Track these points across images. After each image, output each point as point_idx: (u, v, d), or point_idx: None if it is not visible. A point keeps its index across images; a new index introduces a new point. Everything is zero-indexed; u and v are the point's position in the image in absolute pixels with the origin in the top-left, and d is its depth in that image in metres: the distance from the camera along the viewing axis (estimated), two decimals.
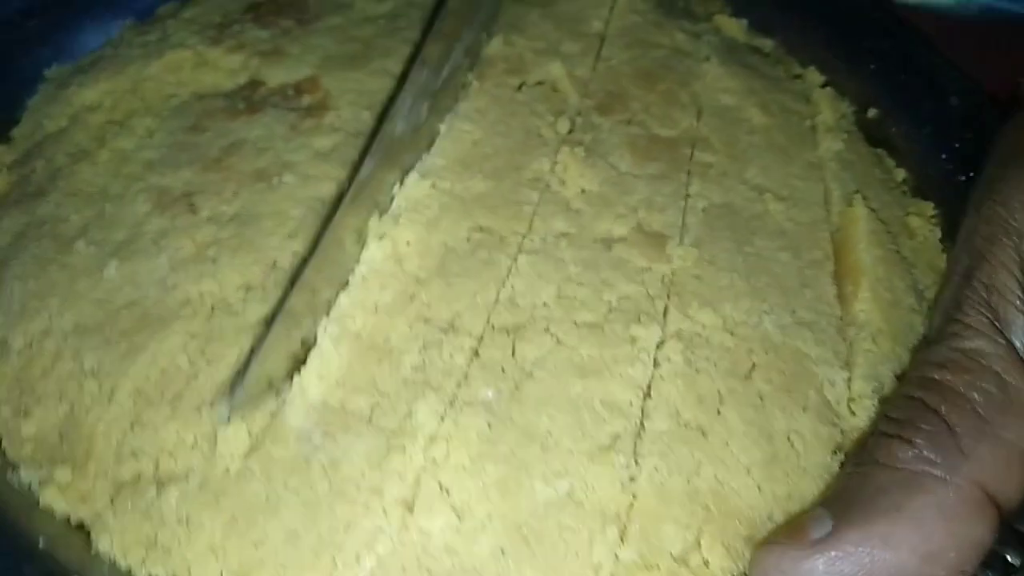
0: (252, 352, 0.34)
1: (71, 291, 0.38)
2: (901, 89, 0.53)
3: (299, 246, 0.38)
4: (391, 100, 0.40)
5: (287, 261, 0.38)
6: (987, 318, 0.32)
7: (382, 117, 0.41)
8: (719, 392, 0.34)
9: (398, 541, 0.30)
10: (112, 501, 0.32)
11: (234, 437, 0.32)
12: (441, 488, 0.31)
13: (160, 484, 0.32)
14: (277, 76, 0.48)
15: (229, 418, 0.32)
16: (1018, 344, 0.31)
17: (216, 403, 0.33)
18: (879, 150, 0.51)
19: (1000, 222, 0.33)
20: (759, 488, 0.32)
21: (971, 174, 0.47)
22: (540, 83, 0.48)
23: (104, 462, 0.34)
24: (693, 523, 0.31)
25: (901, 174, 0.50)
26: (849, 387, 0.36)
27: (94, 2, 0.57)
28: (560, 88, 0.48)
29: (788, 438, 0.34)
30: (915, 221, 0.45)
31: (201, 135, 0.44)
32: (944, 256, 0.44)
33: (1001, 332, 0.31)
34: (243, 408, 0.32)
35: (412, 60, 0.42)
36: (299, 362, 0.34)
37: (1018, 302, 0.31)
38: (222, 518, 0.30)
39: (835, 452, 0.34)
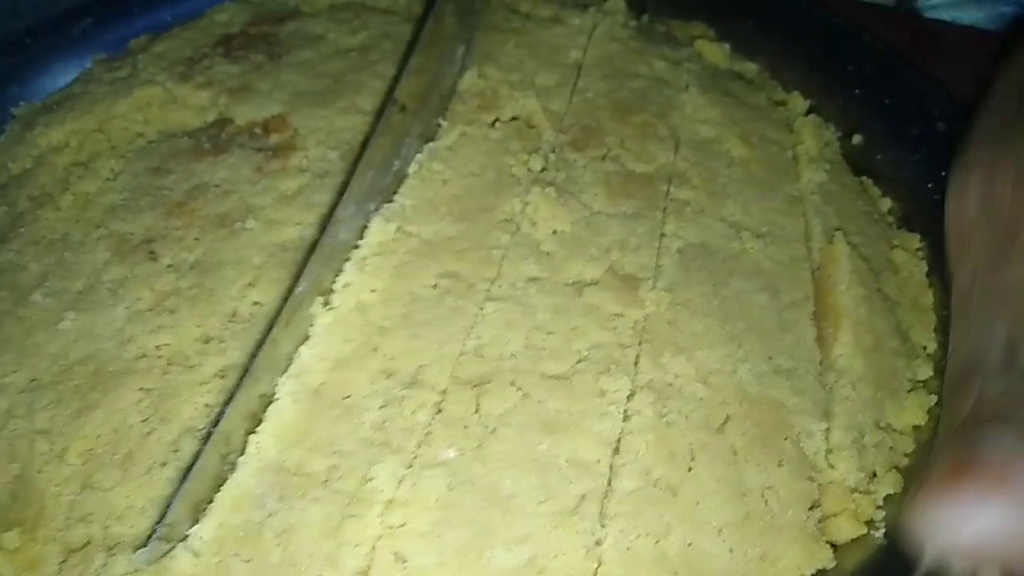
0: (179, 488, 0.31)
1: (26, 345, 0.37)
2: (887, 114, 0.52)
3: (259, 296, 0.37)
4: (334, 208, 0.38)
5: (247, 311, 0.37)
6: None
7: (326, 221, 0.38)
8: (691, 447, 0.33)
9: None
10: (60, 569, 0.31)
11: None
12: (397, 558, 0.29)
13: (109, 551, 0.31)
14: (245, 114, 0.47)
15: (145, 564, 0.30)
16: None
17: (135, 554, 0.30)
18: (864, 178, 0.50)
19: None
20: (731, 550, 0.31)
21: None
22: (514, 118, 0.47)
23: (54, 526, 0.32)
24: None
25: (887, 204, 0.48)
26: (827, 438, 0.35)
27: (66, 38, 0.56)
28: (535, 123, 0.47)
29: (762, 495, 0.32)
30: (900, 255, 0.44)
31: (165, 177, 0.43)
32: (930, 292, 0.43)
33: None
34: (161, 554, 0.30)
35: (355, 165, 0.40)
36: (256, 420, 0.33)
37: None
38: None
39: (812, 508, 0.33)
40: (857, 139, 0.51)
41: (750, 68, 0.57)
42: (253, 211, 0.41)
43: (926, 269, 0.44)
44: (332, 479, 0.31)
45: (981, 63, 0.53)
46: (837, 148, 0.51)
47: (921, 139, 0.50)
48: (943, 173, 0.47)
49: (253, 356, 0.34)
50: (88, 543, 0.31)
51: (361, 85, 0.48)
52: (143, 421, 0.34)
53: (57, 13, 0.57)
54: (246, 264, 0.38)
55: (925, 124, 0.50)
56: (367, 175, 0.39)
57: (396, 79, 0.47)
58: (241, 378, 0.34)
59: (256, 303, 0.37)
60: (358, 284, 0.37)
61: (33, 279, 0.39)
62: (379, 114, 0.45)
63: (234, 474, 0.31)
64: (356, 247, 0.38)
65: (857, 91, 0.53)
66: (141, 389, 0.35)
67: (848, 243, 0.42)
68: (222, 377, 0.35)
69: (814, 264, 0.42)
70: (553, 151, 0.45)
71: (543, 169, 0.43)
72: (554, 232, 0.40)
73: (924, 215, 0.47)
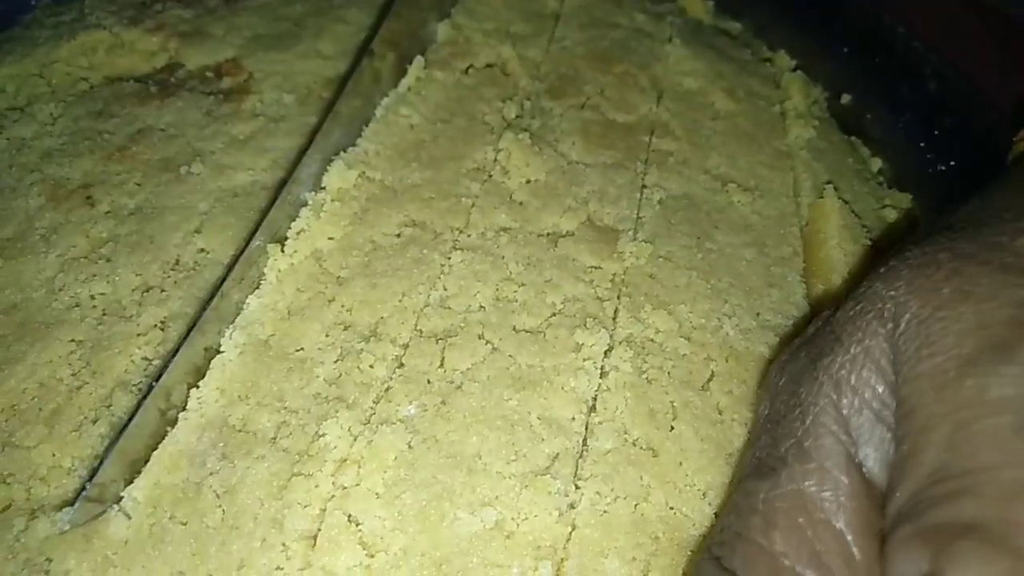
0: (111, 445, 0.29)
1: None
2: (877, 73, 0.50)
3: (204, 243, 0.34)
4: (297, 160, 0.36)
5: (191, 259, 0.34)
6: (833, 438, 0.25)
7: (286, 179, 0.36)
8: (672, 405, 0.30)
9: None
10: None
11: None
12: (350, 520, 0.26)
13: (31, 514, 0.28)
14: (197, 58, 0.44)
15: (70, 525, 0.27)
16: (868, 469, 0.24)
17: (59, 513, 0.27)
18: (853, 138, 0.48)
19: (875, 302, 0.26)
20: (716, 515, 0.28)
21: (951, 163, 0.44)
22: (489, 66, 0.44)
23: None
24: (640, 555, 0.27)
25: (877, 163, 0.46)
26: None
27: None
28: (510, 71, 0.44)
29: None
30: (891, 214, 0.42)
31: (107, 122, 0.40)
32: None
33: (848, 455, 0.24)
34: (90, 515, 0.27)
35: (322, 116, 0.38)
36: (199, 374, 0.30)
37: (876, 408, 0.24)
38: (92, 559, 0.26)
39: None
40: (846, 99, 0.49)
41: (735, 26, 0.55)
42: (201, 155, 0.37)
43: (919, 227, 0.42)
44: (280, 436, 0.28)
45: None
46: (825, 106, 0.49)
47: (911, 99, 0.48)
48: (934, 132, 0.46)
49: (202, 307, 0.31)
50: (8, 506, 0.28)
51: (322, 29, 0.45)
52: (73, 375, 0.30)
53: None
54: (191, 210, 0.35)
55: (915, 84, 0.48)
56: (334, 131, 0.37)
57: (373, 29, 0.44)
58: (188, 330, 0.31)
59: (201, 250, 0.34)
60: (314, 231, 0.34)
61: None
62: (352, 65, 0.42)
63: (173, 430, 0.28)
64: (313, 194, 0.35)
65: (845, 50, 0.51)
66: (72, 340, 0.31)
67: (839, 198, 0.39)
68: (162, 328, 0.32)
69: (803, 219, 0.40)
70: (529, 99, 0.42)
71: (518, 116, 0.41)
72: (528, 181, 0.38)
73: (914, 175, 0.45)
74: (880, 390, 0.24)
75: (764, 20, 0.55)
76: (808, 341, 0.28)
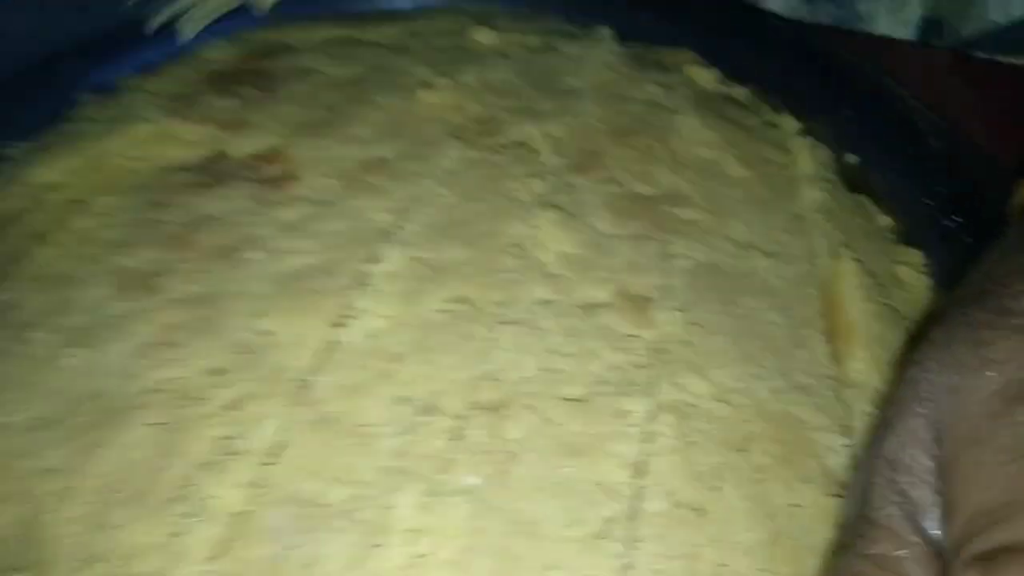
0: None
1: (29, 383, 0.36)
2: (878, 133, 0.53)
3: (267, 325, 0.37)
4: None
5: (254, 341, 0.36)
6: (897, 507, 0.27)
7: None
8: (715, 467, 0.33)
9: None
10: None
11: (198, 539, 0.30)
12: None
13: None
14: (241, 147, 0.46)
15: None
16: (933, 533, 0.27)
17: None
18: (861, 196, 0.50)
19: (913, 386, 0.29)
20: (762, 570, 0.30)
21: (956, 219, 0.47)
22: (515, 143, 0.47)
23: (67, 567, 0.31)
24: None
25: (885, 220, 0.49)
26: (849, 453, 0.34)
27: (57, 78, 0.55)
28: (535, 148, 0.47)
29: (790, 513, 0.32)
30: (903, 271, 0.44)
31: (163, 211, 0.42)
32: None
33: (913, 520, 0.27)
34: None
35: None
36: (270, 454, 0.32)
37: (931, 480, 0.27)
38: None
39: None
40: (851, 158, 0.52)
41: (741, 92, 0.58)
42: (255, 241, 0.40)
43: (930, 283, 0.44)
44: (353, 509, 0.30)
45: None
46: (833, 167, 0.52)
47: (914, 157, 0.50)
48: (938, 190, 0.48)
49: (270, 387, 0.34)
50: None
51: (356, 115, 0.48)
52: (154, 457, 0.33)
53: (48, 54, 0.56)
54: (251, 294, 0.38)
55: (917, 142, 0.51)
56: None
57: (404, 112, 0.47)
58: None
59: (264, 332, 0.36)
60: (369, 311, 0.36)
61: (33, 317, 0.38)
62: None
63: (251, 507, 0.31)
64: (365, 275, 0.38)
65: (848, 112, 0.54)
66: (150, 424, 0.33)
67: (853, 259, 0.42)
68: (232, 409, 0.34)
69: (821, 281, 0.42)
70: (555, 175, 0.45)
71: (547, 193, 0.43)
72: (561, 254, 0.40)
73: (922, 232, 0.48)
74: (931, 465, 0.27)
75: (768, 83, 0.58)
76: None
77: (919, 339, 0.31)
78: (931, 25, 0.69)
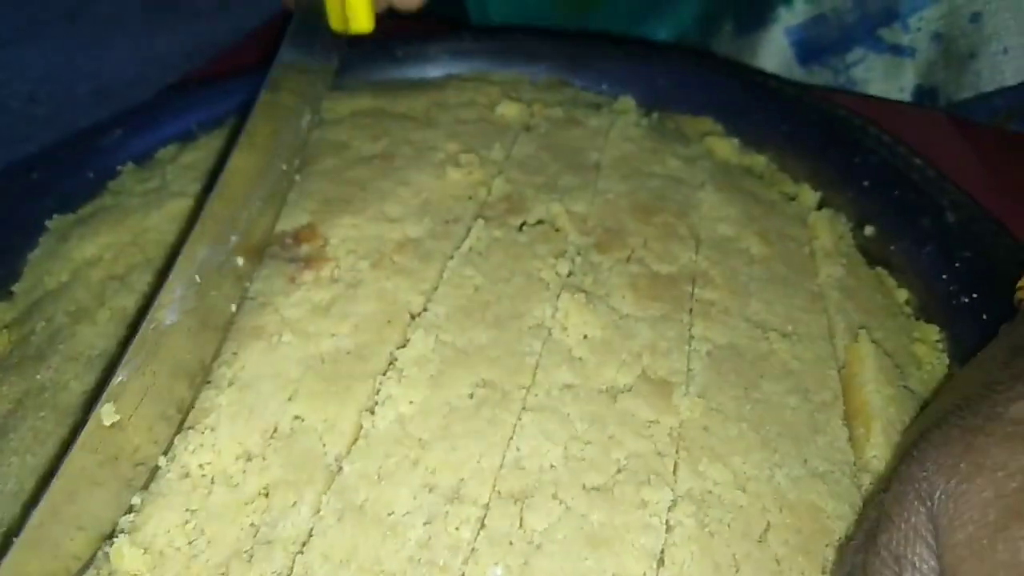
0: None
1: None
2: (897, 205, 0.53)
3: (298, 409, 0.38)
4: (158, 287, 0.37)
5: (287, 426, 0.37)
6: None
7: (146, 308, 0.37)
8: (735, 557, 0.33)
9: None
10: None
11: None
12: None
13: None
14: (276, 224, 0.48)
15: None
16: None
17: None
18: (879, 269, 0.51)
19: (912, 484, 0.30)
20: None
21: (974, 295, 0.47)
22: (540, 221, 0.48)
23: None
24: None
25: (903, 294, 0.49)
26: None
27: (96, 149, 0.58)
28: (559, 226, 0.48)
29: None
30: (921, 349, 0.45)
31: None
32: None
33: None
34: None
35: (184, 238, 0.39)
36: (301, 542, 0.33)
37: (928, 568, 0.28)
38: None
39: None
40: (869, 230, 0.53)
41: (759, 161, 0.59)
42: (289, 324, 0.41)
43: (947, 362, 0.45)
44: None
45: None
46: (851, 240, 0.52)
47: (932, 230, 0.51)
48: (956, 264, 0.49)
49: (301, 472, 0.35)
50: None
51: (387, 192, 0.49)
52: (189, 544, 0.34)
53: (88, 125, 0.59)
54: (284, 378, 0.39)
55: (935, 215, 0.51)
56: (197, 249, 0.39)
57: (434, 190, 0.49)
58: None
59: (296, 417, 0.37)
60: (397, 396, 0.38)
61: (74, 398, 0.40)
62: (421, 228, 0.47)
63: None
64: (394, 360, 0.39)
65: (866, 183, 0.55)
66: (186, 510, 0.35)
67: (872, 340, 0.43)
68: (265, 495, 0.35)
69: (839, 362, 0.43)
70: (579, 254, 0.46)
71: (570, 273, 0.44)
72: (585, 337, 0.41)
73: (939, 305, 0.48)
74: (933, 563, 0.28)
75: (786, 153, 0.59)
76: (864, 534, 0.31)
77: (920, 439, 0.31)
78: (925, 92, 0.71)
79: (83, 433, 0.32)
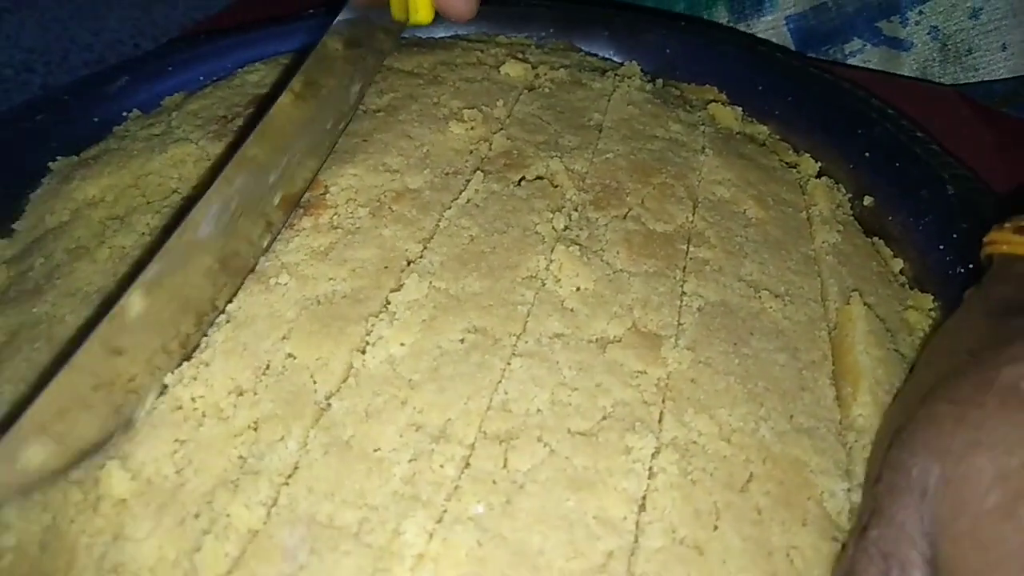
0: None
1: None
2: (897, 177, 0.53)
3: (292, 348, 0.38)
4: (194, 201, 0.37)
5: (279, 364, 0.38)
6: None
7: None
8: (716, 505, 0.34)
9: None
10: None
11: (215, 555, 0.31)
12: None
13: None
14: None
15: None
16: None
17: None
18: (876, 239, 0.51)
19: (902, 472, 0.28)
20: None
21: (970, 265, 0.47)
22: (539, 178, 0.48)
23: None
24: None
25: (899, 264, 0.50)
26: (849, 498, 0.35)
27: (103, 95, 0.58)
28: (558, 183, 0.48)
29: (788, 555, 0.33)
30: (913, 316, 0.45)
31: None
32: None
33: None
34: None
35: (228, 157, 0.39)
36: (286, 474, 0.34)
37: (917, 574, 0.26)
38: None
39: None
40: (868, 201, 0.53)
41: (762, 130, 0.59)
42: (287, 267, 0.42)
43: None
44: (363, 532, 0.32)
45: None
46: (849, 209, 0.52)
47: (931, 202, 0.51)
48: (954, 235, 0.49)
49: (289, 406, 0.35)
50: None
51: (389, 144, 0.49)
52: (177, 472, 0.34)
53: (95, 72, 0.59)
54: (279, 318, 0.39)
55: (934, 187, 0.51)
56: (238, 176, 0.39)
57: (434, 144, 0.49)
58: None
59: (289, 355, 0.38)
60: (388, 337, 0.38)
61: (70, 331, 0.40)
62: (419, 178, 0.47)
63: (266, 526, 0.32)
64: (388, 303, 0.39)
65: (867, 154, 0.55)
66: (176, 440, 0.35)
67: (864, 303, 0.43)
68: (254, 429, 0.36)
69: (831, 324, 0.43)
70: (575, 210, 0.46)
71: (566, 228, 0.45)
72: (577, 289, 0.41)
73: (934, 277, 0.48)
74: (918, 563, 0.27)
75: (788, 124, 0.59)
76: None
77: (907, 422, 0.30)
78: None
79: (102, 324, 0.32)
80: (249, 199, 0.40)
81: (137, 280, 0.34)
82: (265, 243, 0.42)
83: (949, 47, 0.70)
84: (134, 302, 0.33)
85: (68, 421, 0.32)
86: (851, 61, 0.73)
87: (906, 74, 0.71)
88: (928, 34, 0.70)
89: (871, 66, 0.72)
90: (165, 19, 0.99)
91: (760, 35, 0.74)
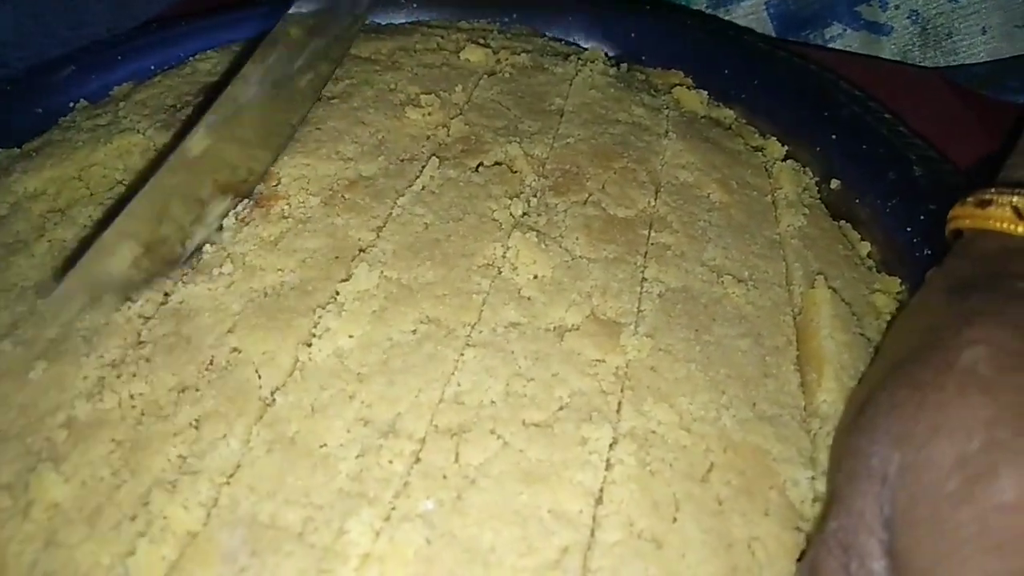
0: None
1: None
2: (864, 160, 0.52)
3: (237, 342, 0.37)
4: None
5: (223, 358, 0.36)
6: None
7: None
8: (675, 497, 0.32)
9: None
10: None
11: (151, 559, 0.30)
12: None
13: None
14: None
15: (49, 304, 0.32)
16: None
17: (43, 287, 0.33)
18: (843, 223, 0.50)
19: (862, 459, 0.27)
20: None
21: (936, 248, 0.46)
22: (497, 163, 0.47)
23: None
24: None
25: (866, 247, 0.49)
26: (813, 486, 0.34)
27: (48, 85, 0.56)
28: (517, 168, 0.47)
29: (749, 546, 0.32)
30: (880, 299, 0.44)
31: None
32: None
33: None
34: (71, 300, 0.32)
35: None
36: (228, 474, 0.32)
37: (875, 566, 0.25)
38: None
39: (799, 559, 0.32)
40: (835, 184, 0.52)
41: (727, 114, 0.58)
42: (233, 258, 0.40)
43: None
44: (307, 532, 0.30)
45: None
46: (815, 193, 0.51)
47: (897, 184, 0.50)
48: (921, 217, 0.48)
49: (232, 402, 0.34)
50: None
51: (342, 132, 0.48)
52: (112, 474, 0.33)
53: (41, 62, 0.57)
54: (224, 311, 0.38)
55: (901, 170, 0.50)
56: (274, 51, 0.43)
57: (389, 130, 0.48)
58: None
59: (234, 350, 0.36)
60: (336, 330, 0.36)
61: (3, 328, 0.38)
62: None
63: (205, 528, 0.31)
64: (336, 294, 0.38)
65: (834, 136, 0.54)
66: (112, 440, 0.34)
67: (829, 287, 0.42)
68: (196, 427, 0.34)
69: (795, 309, 0.42)
70: (535, 196, 0.45)
71: (524, 214, 0.43)
72: (535, 277, 0.40)
73: (902, 259, 0.47)
74: (877, 553, 0.26)
75: (755, 107, 0.58)
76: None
77: (866, 405, 0.29)
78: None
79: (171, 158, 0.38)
80: (184, 189, 0.39)
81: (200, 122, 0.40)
82: (196, 230, 0.41)
83: (929, 31, 0.69)
84: (199, 140, 0.39)
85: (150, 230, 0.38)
86: (832, 46, 0.72)
87: (886, 58, 0.71)
88: (908, 18, 0.69)
89: (852, 50, 0.72)
90: (144, 12, 0.97)
91: (740, 21, 0.73)
